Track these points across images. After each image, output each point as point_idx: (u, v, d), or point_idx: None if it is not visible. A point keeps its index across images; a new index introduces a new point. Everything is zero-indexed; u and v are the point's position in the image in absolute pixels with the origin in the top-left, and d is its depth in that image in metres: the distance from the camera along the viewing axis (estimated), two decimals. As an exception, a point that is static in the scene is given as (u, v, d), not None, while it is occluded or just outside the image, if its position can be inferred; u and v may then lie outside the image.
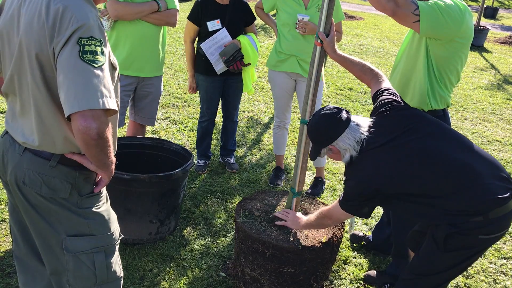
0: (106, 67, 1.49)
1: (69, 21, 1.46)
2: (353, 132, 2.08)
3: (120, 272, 1.84)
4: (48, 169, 1.63)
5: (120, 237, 1.84)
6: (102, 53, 1.48)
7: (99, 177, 1.75)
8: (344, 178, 2.21)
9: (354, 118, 2.14)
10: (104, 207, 1.77)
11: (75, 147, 1.64)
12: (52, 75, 1.53)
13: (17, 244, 1.89)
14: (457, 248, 1.98)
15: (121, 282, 1.86)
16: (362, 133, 2.08)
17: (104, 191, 1.80)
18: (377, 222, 3.20)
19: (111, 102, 1.46)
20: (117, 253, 1.83)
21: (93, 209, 1.72)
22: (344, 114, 2.11)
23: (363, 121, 2.13)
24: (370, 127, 2.11)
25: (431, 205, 1.99)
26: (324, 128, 2.13)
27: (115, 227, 1.80)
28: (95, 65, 1.44)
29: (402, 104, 2.20)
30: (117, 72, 1.67)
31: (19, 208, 1.76)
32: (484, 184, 1.92)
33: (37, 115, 1.59)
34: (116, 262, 1.81)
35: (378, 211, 3.53)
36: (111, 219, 1.78)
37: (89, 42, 1.45)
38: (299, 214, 2.54)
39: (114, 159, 1.64)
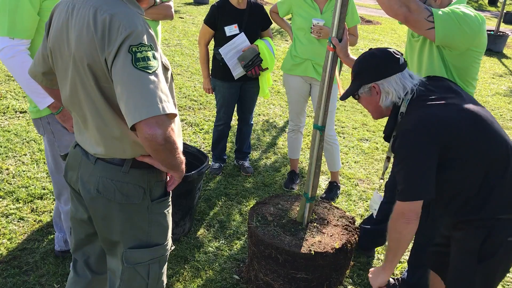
0: (160, 71, 1.48)
1: (117, 31, 1.46)
2: (404, 79, 1.91)
3: (165, 281, 1.89)
4: (121, 175, 1.66)
5: (172, 248, 1.88)
6: (154, 57, 1.47)
7: (169, 176, 1.78)
8: (393, 147, 1.88)
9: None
10: (169, 216, 1.82)
11: (144, 149, 1.65)
12: (108, 85, 1.54)
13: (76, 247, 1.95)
14: (489, 256, 1.86)
15: None
16: (414, 85, 1.91)
17: (170, 199, 1.83)
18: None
19: (170, 106, 1.46)
20: (167, 263, 1.88)
21: (160, 215, 1.76)
22: (402, 59, 1.94)
23: (416, 76, 1.97)
24: (422, 82, 1.94)
25: (479, 180, 1.81)
26: (377, 62, 1.94)
27: (169, 237, 1.84)
28: (149, 71, 1.44)
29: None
30: (169, 72, 1.68)
31: (86, 217, 1.82)
32: None
33: (101, 126, 1.61)
34: (165, 272, 1.86)
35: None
36: (169, 229, 1.83)
37: (140, 49, 1.45)
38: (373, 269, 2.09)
39: (183, 159, 1.65)
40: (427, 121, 1.77)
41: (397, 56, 1.94)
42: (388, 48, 1.99)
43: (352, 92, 2.01)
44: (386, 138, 2.00)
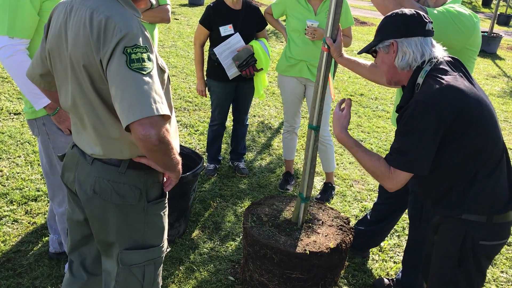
0: (154, 73, 1.49)
1: (112, 32, 1.47)
2: (425, 45, 1.87)
3: (160, 282, 1.89)
4: (118, 175, 1.66)
5: (168, 250, 1.88)
6: (149, 59, 1.48)
7: (166, 176, 1.78)
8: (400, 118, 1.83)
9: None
10: (165, 217, 1.82)
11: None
12: (104, 86, 1.54)
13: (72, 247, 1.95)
14: (467, 259, 1.89)
15: None
16: (434, 57, 1.86)
17: (166, 201, 1.83)
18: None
19: (164, 108, 1.46)
20: (162, 264, 1.88)
21: (156, 217, 1.76)
22: (430, 26, 1.88)
23: (440, 49, 1.92)
24: (443, 56, 1.90)
25: (475, 170, 1.81)
26: (403, 19, 1.88)
27: (165, 238, 1.84)
28: (144, 73, 1.45)
29: None
30: (166, 74, 1.69)
31: (82, 218, 1.82)
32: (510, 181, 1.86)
33: (98, 127, 1.62)
34: (160, 274, 1.87)
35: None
36: (164, 230, 1.83)
37: (135, 50, 1.46)
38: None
39: (179, 159, 1.65)
40: (442, 97, 1.73)
41: (426, 20, 1.89)
42: (420, 11, 1.93)
43: (371, 46, 1.96)
44: (399, 109, 1.92)
